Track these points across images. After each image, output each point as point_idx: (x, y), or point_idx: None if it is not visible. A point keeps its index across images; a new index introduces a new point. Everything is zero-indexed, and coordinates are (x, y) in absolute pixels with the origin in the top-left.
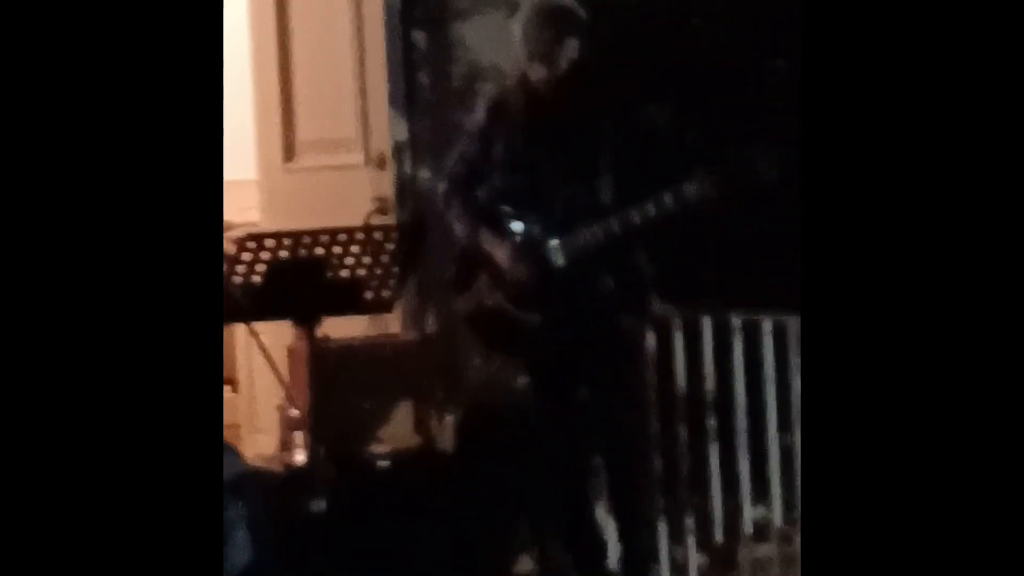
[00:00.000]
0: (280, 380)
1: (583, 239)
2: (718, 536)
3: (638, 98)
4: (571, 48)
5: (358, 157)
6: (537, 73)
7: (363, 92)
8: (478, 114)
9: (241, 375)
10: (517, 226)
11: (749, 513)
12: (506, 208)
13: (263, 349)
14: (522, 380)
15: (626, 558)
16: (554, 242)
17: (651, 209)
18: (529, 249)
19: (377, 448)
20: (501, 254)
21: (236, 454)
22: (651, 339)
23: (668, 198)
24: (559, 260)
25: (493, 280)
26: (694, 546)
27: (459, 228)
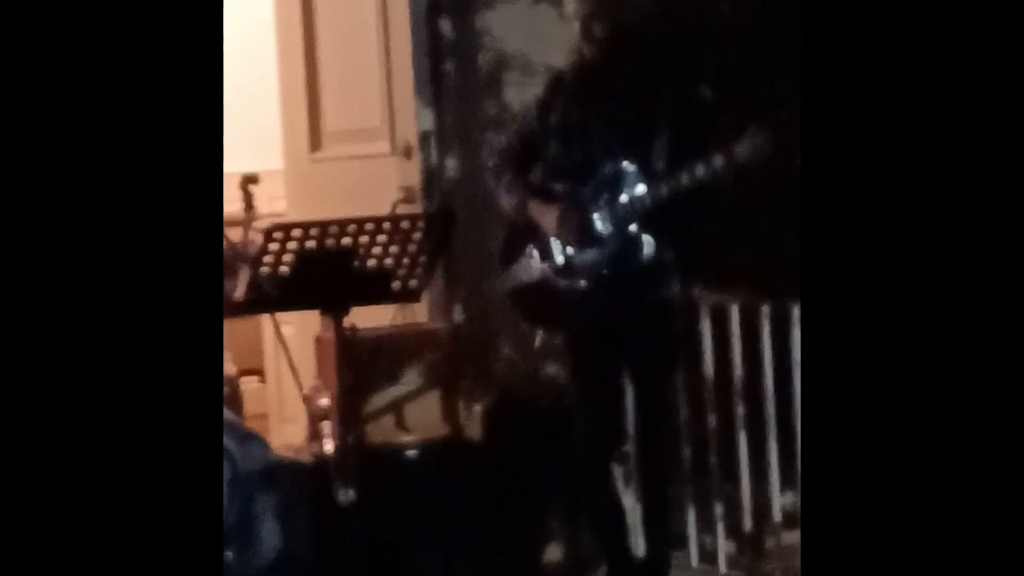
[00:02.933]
0: (295, 374)
1: (631, 204)
2: (747, 523)
3: (684, 76)
4: (623, 26)
5: (384, 146)
6: (591, 48)
7: (389, 81)
8: (536, 88)
9: (269, 366)
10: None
11: (778, 500)
12: (556, 183)
13: (281, 340)
14: (552, 368)
15: (650, 544)
16: (602, 209)
17: (700, 170)
18: (577, 217)
19: (405, 438)
20: (549, 223)
21: (265, 444)
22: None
23: (718, 159)
24: (606, 228)
25: (540, 252)
26: (723, 533)
27: (508, 200)
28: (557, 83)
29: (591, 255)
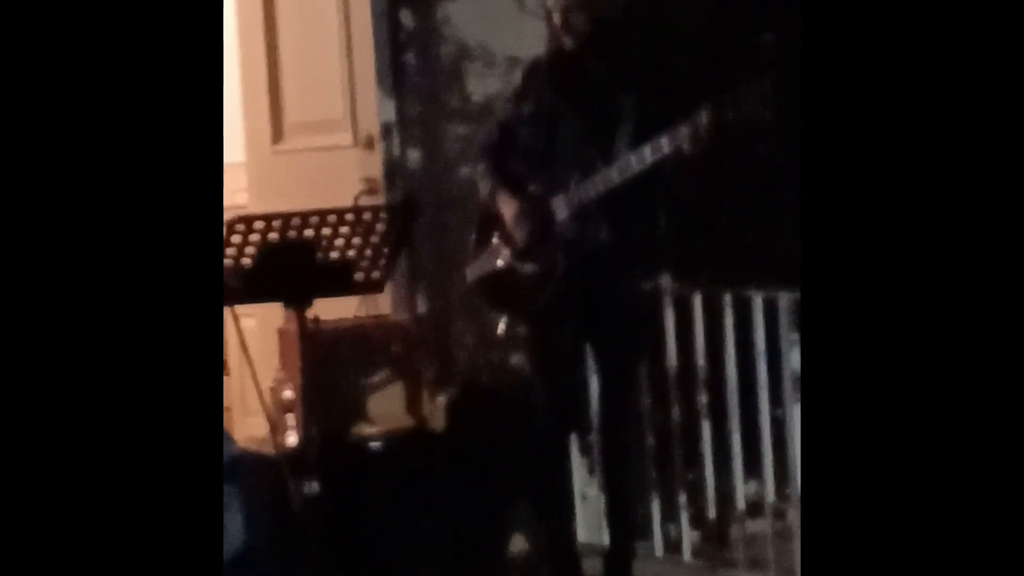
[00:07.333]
0: (250, 365)
1: (584, 189)
2: (711, 512)
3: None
4: (598, 17)
5: (346, 138)
6: (569, 39)
7: (351, 73)
8: (515, 78)
9: (232, 358)
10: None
11: (742, 489)
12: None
13: (239, 333)
14: (515, 359)
15: (614, 533)
16: (564, 197)
17: (647, 154)
18: (535, 204)
19: (369, 430)
20: (510, 212)
21: (228, 437)
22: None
23: (664, 141)
24: (561, 212)
25: (503, 239)
26: (687, 522)
27: (483, 188)
28: (532, 71)
29: (552, 243)
